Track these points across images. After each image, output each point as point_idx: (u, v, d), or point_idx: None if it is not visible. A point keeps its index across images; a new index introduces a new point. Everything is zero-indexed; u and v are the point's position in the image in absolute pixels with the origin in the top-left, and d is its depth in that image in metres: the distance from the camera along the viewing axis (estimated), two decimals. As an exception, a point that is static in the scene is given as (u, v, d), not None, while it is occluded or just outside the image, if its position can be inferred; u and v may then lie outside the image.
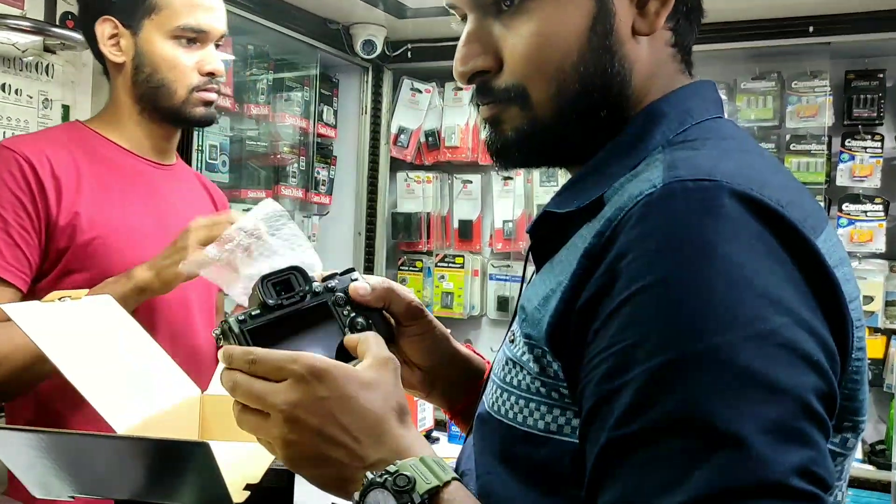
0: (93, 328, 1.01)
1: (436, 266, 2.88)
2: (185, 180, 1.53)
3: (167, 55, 1.35)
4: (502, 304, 2.77)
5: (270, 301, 0.68)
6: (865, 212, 2.37)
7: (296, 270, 0.70)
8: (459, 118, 2.84)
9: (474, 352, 0.89)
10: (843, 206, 2.39)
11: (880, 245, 2.35)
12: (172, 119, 1.41)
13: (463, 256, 2.84)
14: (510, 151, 0.71)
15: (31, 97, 1.73)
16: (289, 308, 0.68)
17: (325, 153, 2.85)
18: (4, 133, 1.68)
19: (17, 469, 0.73)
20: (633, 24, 0.67)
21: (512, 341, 0.67)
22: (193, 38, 1.36)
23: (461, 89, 2.84)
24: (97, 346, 0.99)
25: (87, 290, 1.05)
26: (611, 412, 0.53)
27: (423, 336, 0.81)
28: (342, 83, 2.91)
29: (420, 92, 2.90)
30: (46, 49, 1.75)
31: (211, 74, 1.38)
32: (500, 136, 0.70)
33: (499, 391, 0.67)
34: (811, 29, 2.24)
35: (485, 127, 0.73)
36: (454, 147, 2.83)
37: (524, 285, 0.76)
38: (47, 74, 1.76)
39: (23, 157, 1.27)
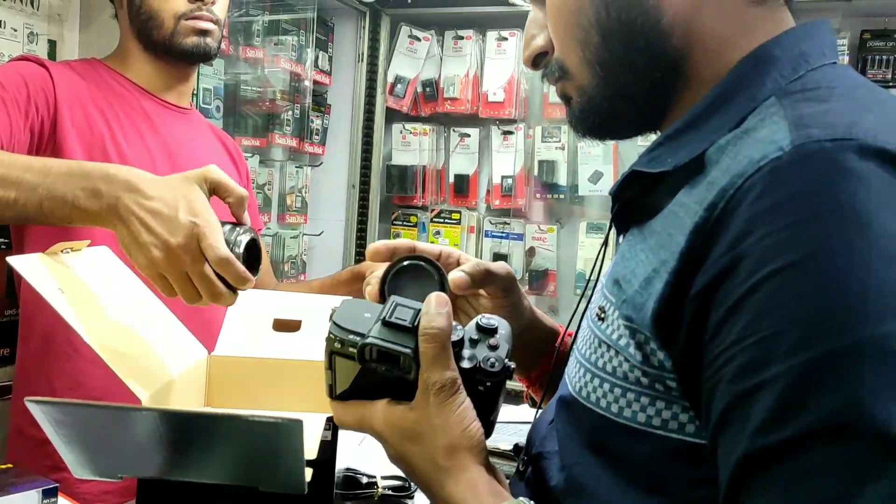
0: (99, 283, 0.93)
1: (431, 221, 2.80)
2: (199, 127, 1.48)
3: None
4: (498, 261, 2.70)
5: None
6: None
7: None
8: (459, 68, 2.72)
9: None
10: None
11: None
12: (166, 52, 1.34)
13: (460, 212, 2.76)
14: (579, 126, 0.67)
15: (15, 30, 1.61)
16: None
17: (319, 101, 2.73)
18: (-13, 68, 1.55)
19: (58, 446, 0.65)
20: None
21: (601, 319, 0.59)
22: None
23: (462, 38, 2.73)
24: (106, 304, 0.91)
25: (88, 242, 0.97)
26: (749, 416, 0.46)
27: (514, 306, 0.77)
28: (338, 28, 2.78)
29: (418, 40, 2.78)
30: (31, -21, 1.62)
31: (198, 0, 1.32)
32: (569, 112, 0.67)
33: (588, 375, 0.59)
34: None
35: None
36: (453, 98, 2.72)
37: (604, 251, 0.70)
38: (33, 6, 1.63)
39: (43, 65, 1.26)
